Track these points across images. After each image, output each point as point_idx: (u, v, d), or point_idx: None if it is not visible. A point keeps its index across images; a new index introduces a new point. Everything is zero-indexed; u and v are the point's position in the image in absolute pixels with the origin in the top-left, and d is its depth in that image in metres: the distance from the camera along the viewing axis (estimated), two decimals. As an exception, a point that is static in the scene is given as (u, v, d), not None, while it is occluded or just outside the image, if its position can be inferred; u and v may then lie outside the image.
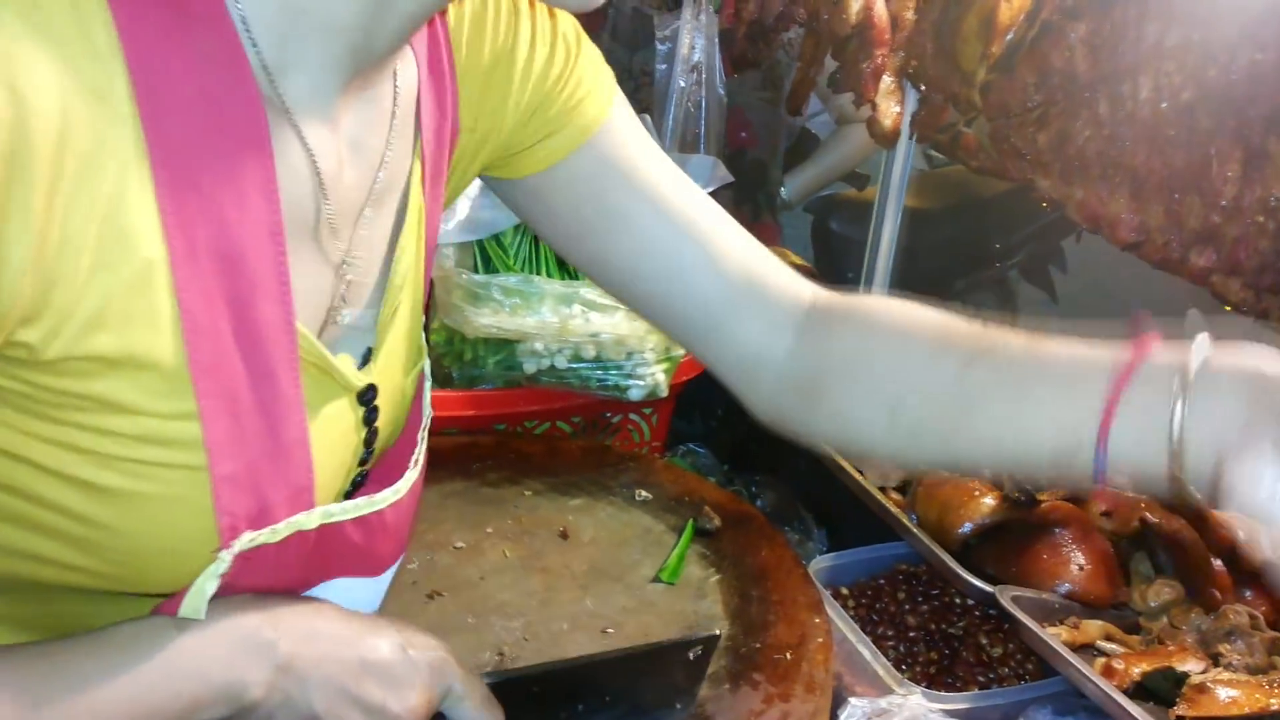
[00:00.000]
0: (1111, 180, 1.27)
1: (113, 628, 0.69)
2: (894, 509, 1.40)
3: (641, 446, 1.70)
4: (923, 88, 1.49)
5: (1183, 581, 1.30)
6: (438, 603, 1.19)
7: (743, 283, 0.93)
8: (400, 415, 0.88)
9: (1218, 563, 1.35)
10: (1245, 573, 1.38)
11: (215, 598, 0.70)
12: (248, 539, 0.69)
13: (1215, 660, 1.17)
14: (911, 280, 3.25)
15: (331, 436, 0.77)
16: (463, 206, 1.64)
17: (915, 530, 1.35)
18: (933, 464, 1.03)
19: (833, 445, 1.07)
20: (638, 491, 1.44)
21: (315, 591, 0.80)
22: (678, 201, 0.92)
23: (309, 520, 0.74)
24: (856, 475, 1.48)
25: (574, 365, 1.55)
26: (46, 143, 0.54)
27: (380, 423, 0.83)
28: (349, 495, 0.83)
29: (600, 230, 0.93)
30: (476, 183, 1.67)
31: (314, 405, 0.74)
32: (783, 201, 2.58)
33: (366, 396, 0.80)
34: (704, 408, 1.91)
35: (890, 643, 1.33)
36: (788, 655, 1.15)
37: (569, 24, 0.91)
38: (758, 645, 1.16)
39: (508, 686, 0.85)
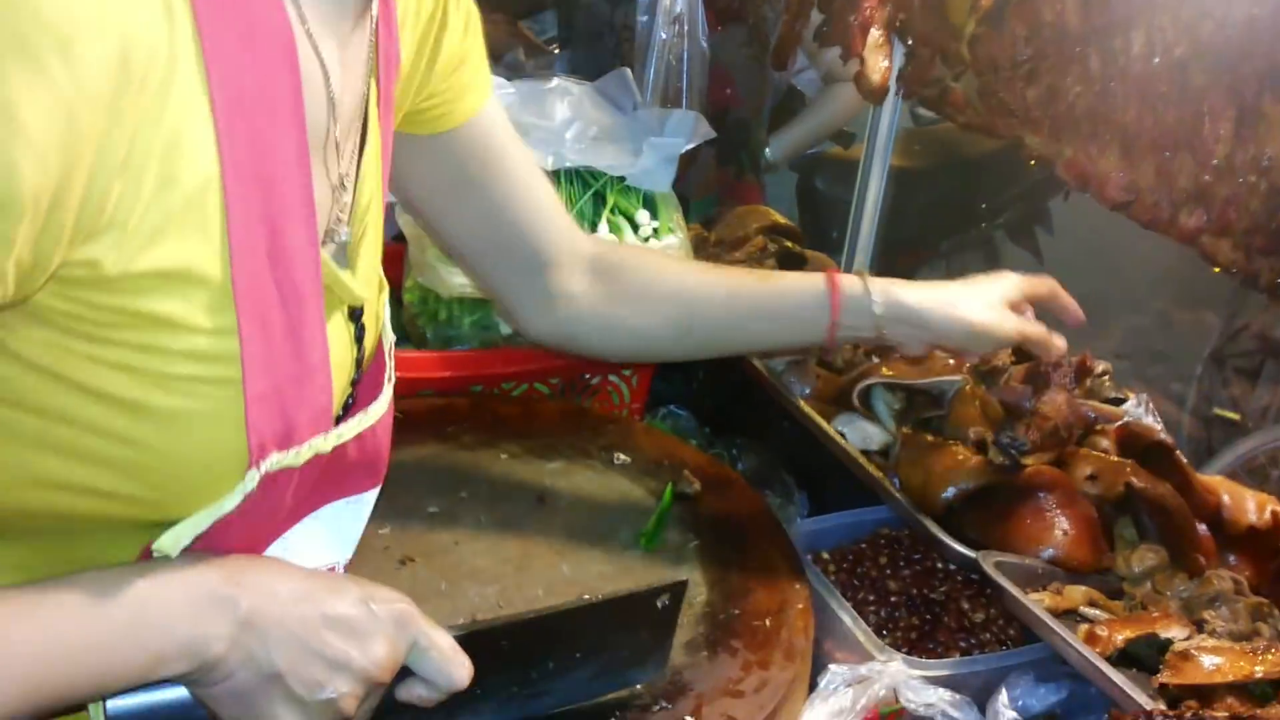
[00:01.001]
0: (1101, 138, 1.24)
1: (78, 576, 0.68)
2: (876, 473, 1.38)
3: (621, 409, 1.67)
4: (910, 42, 1.45)
5: (1167, 547, 1.29)
6: (410, 569, 1.16)
7: (553, 249, 1.15)
8: (376, 335, 0.93)
9: (1202, 527, 1.34)
10: (1230, 537, 1.37)
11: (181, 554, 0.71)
12: (275, 459, 0.72)
13: (1199, 627, 1.16)
14: (896, 240, 3.23)
15: (338, 356, 0.81)
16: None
17: (897, 494, 1.33)
18: (707, 357, 1.37)
19: (625, 357, 1.38)
20: (616, 455, 1.41)
21: (313, 517, 0.84)
22: (523, 184, 1.11)
23: (325, 443, 0.77)
24: (839, 439, 1.46)
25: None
26: (140, 55, 0.58)
27: (366, 341, 0.88)
28: (343, 416, 0.86)
29: (455, 195, 1.09)
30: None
31: (329, 325, 0.77)
32: (767, 162, 2.54)
33: (357, 314, 0.85)
34: (685, 369, 1.88)
35: (871, 608, 1.31)
36: (767, 622, 1.13)
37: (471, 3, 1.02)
38: (737, 612, 1.14)
39: (476, 641, 0.83)
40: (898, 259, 3.50)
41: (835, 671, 1.13)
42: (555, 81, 1.73)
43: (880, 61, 1.46)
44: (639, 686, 1.01)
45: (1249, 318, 3.57)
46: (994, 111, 1.32)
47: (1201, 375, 3.78)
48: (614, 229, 1.56)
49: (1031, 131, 1.29)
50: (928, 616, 1.29)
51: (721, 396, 1.79)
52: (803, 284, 1.21)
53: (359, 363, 0.88)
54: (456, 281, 1.48)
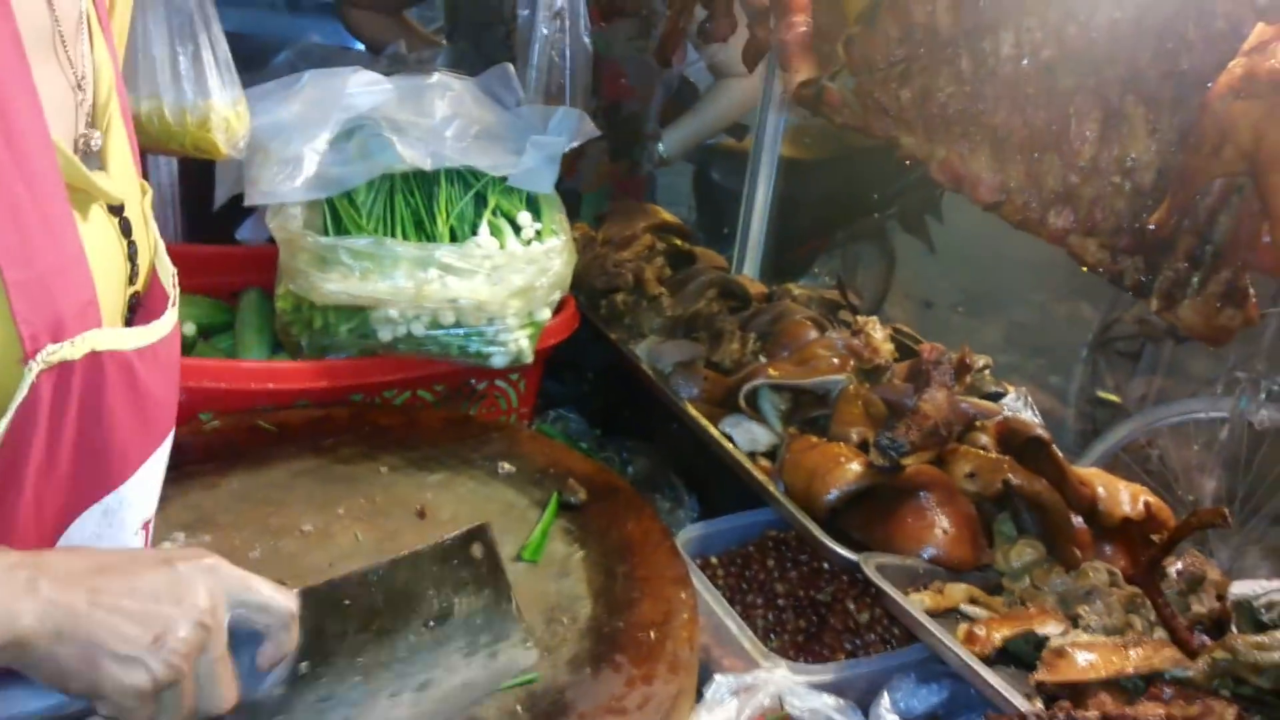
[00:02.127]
0: (973, 139, 1.25)
1: None
2: (761, 476, 1.38)
3: (509, 414, 1.64)
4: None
5: (1044, 541, 1.31)
6: (281, 593, 1.11)
7: None
8: (146, 239, 0.91)
9: (1078, 520, 1.37)
10: (1105, 529, 1.40)
11: None
12: (50, 350, 0.73)
13: (1075, 621, 1.18)
14: (789, 232, 3.25)
15: (102, 252, 0.81)
16: (310, 161, 1.54)
17: (782, 498, 1.33)
18: None
19: None
20: (501, 464, 1.38)
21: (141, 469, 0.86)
22: None
23: (100, 339, 0.78)
24: (725, 443, 1.45)
25: (432, 332, 1.47)
26: None
27: (136, 237, 0.87)
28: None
29: None
30: (324, 136, 1.59)
31: (81, 220, 0.78)
32: (659, 156, 2.52)
33: (119, 212, 0.85)
34: (575, 370, 1.86)
35: (759, 611, 1.31)
36: (652, 634, 1.12)
37: None
38: (621, 625, 1.13)
39: (317, 599, 0.83)
40: (790, 250, 3.53)
41: (721, 681, 1.12)
42: (436, 77, 1.68)
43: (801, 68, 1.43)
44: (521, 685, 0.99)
45: (1126, 307, 3.70)
46: (869, 111, 1.32)
47: (1085, 360, 3.91)
48: (495, 231, 1.52)
49: (906, 132, 1.29)
50: (814, 618, 1.30)
51: (612, 399, 1.78)
52: None
53: (134, 277, 0.88)
54: (331, 288, 1.43)
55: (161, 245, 0.95)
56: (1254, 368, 3.05)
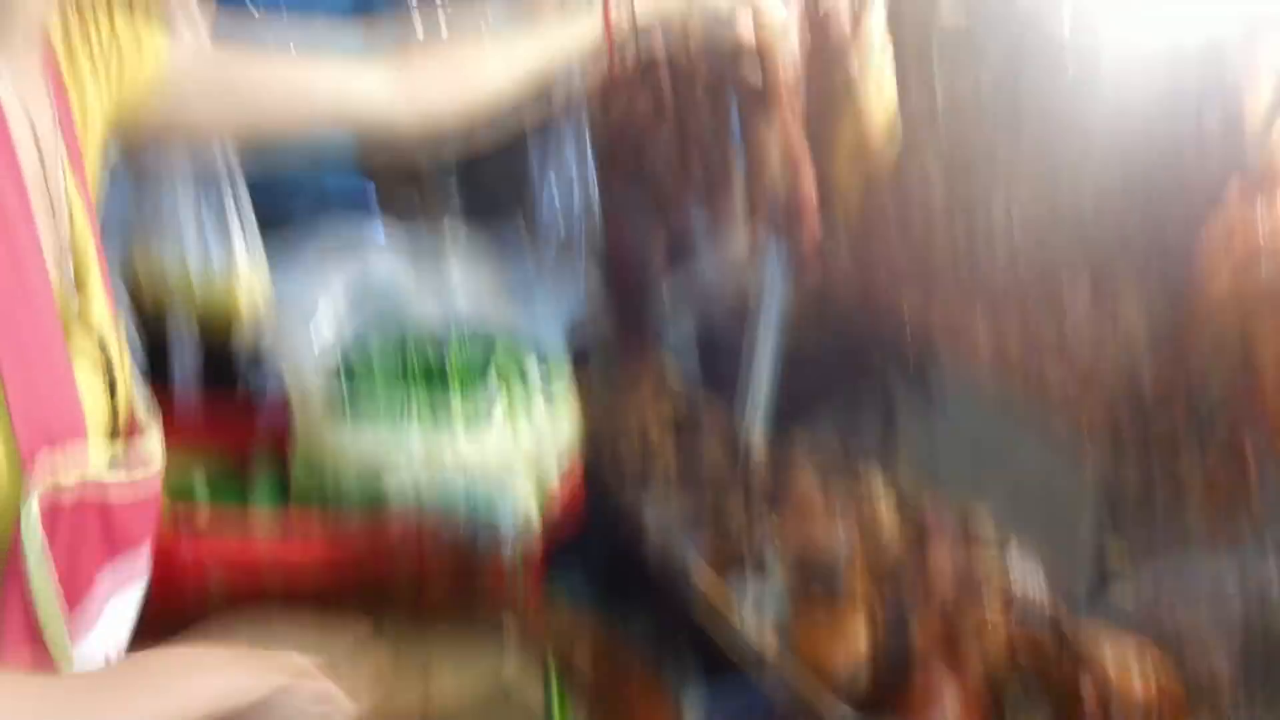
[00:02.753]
0: (969, 298, 1.28)
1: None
2: (769, 644, 1.36)
3: (515, 583, 1.63)
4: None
5: (1055, 714, 1.29)
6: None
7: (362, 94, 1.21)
8: (126, 377, 0.94)
9: (1091, 698, 1.34)
10: (1119, 707, 1.37)
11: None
12: (48, 474, 0.77)
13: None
14: (795, 387, 3.27)
15: (87, 385, 0.85)
16: (328, 319, 1.59)
17: (788, 667, 1.31)
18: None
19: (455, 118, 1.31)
20: (506, 627, 1.37)
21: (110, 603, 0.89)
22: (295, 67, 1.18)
23: (91, 463, 0.82)
24: (731, 610, 1.44)
25: (442, 494, 1.49)
26: None
27: (116, 375, 0.91)
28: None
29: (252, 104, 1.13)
30: (342, 295, 1.64)
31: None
32: (665, 308, 2.58)
33: (100, 344, 0.89)
34: (581, 533, 1.85)
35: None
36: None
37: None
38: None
39: None
40: (796, 408, 3.57)
41: None
42: (450, 241, 1.75)
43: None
44: None
45: (1133, 465, 3.67)
46: (868, 276, 1.36)
47: (1093, 519, 3.87)
48: (505, 390, 1.55)
49: (904, 295, 1.33)
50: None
51: (617, 563, 1.77)
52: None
53: (115, 408, 0.90)
54: (344, 447, 1.45)
55: (137, 375, 0.99)
56: (1265, 530, 3.02)
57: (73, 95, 0.94)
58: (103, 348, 0.88)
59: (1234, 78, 1.02)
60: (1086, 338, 1.23)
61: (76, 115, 0.95)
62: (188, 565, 1.40)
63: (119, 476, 0.85)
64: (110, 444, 0.89)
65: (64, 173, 0.89)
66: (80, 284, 0.88)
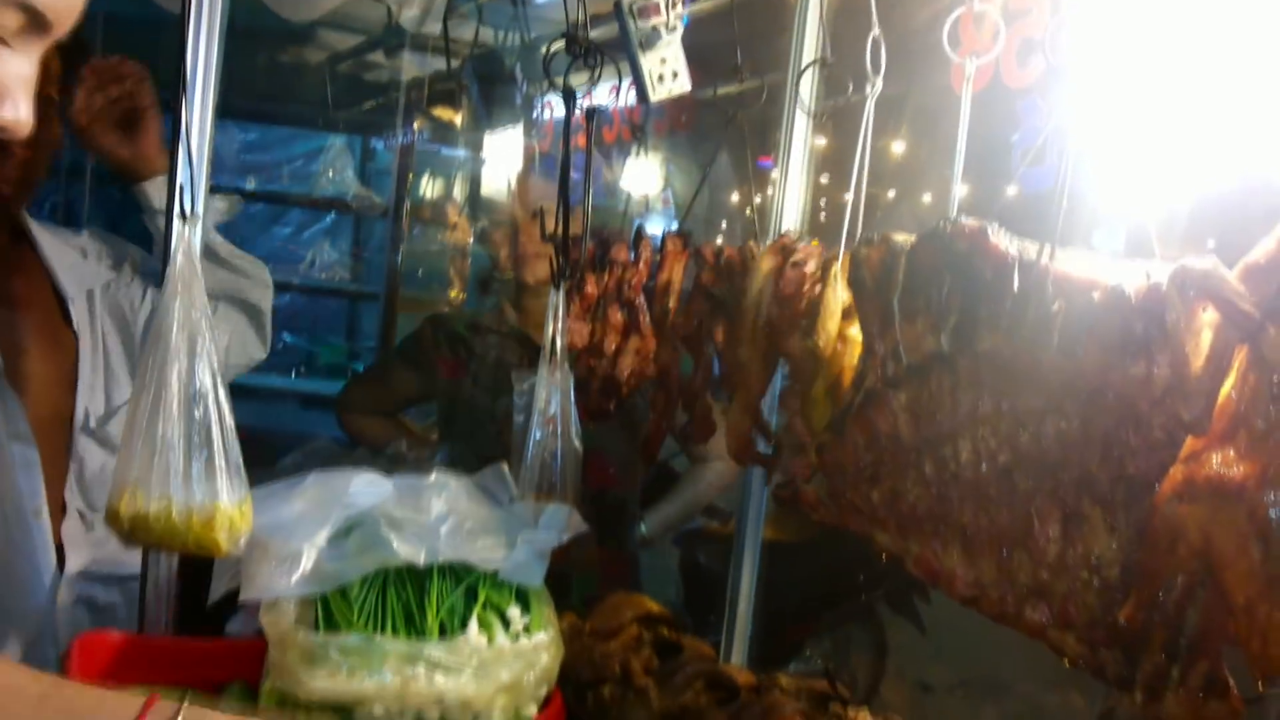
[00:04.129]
0: (943, 536, 1.31)
1: None
2: None
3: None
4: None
5: None
6: None
7: None
8: None
9: None
10: None
11: None
12: None
13: None
14: (778, 613, 3.25)
15: None
16: (308, 557, 1.59)
17: None
18: None
19: None
20: None
21: None
22: None
23: None
24: None
25: (417, 730, 1.45)
26: None
27: None
28: None
29: None
30: (323, 533, 1.65)
31: None
32: (642, 536, 2.59)
33: None
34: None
35: None
36: None
37: None
38: None
39: None
40: (779, 634, 3.52)
41: None
42: (434, 477, 1.77)
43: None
44: None
45: (1120, 696, 3.61)
46: (844, 510, 1.40)
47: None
48: (484, 625, 1.54)
49: (880, 529, 1.36)
50: None
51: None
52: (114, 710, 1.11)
53: None
54: (317, 685, 1.43)
55: None
56: (1266, 755, 2.94)
57: None
58: None
59: (1175, 331, 1.09)
60: (1060, 574, 1.25)
61: None
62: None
63: None
64: None
65: None
66: None
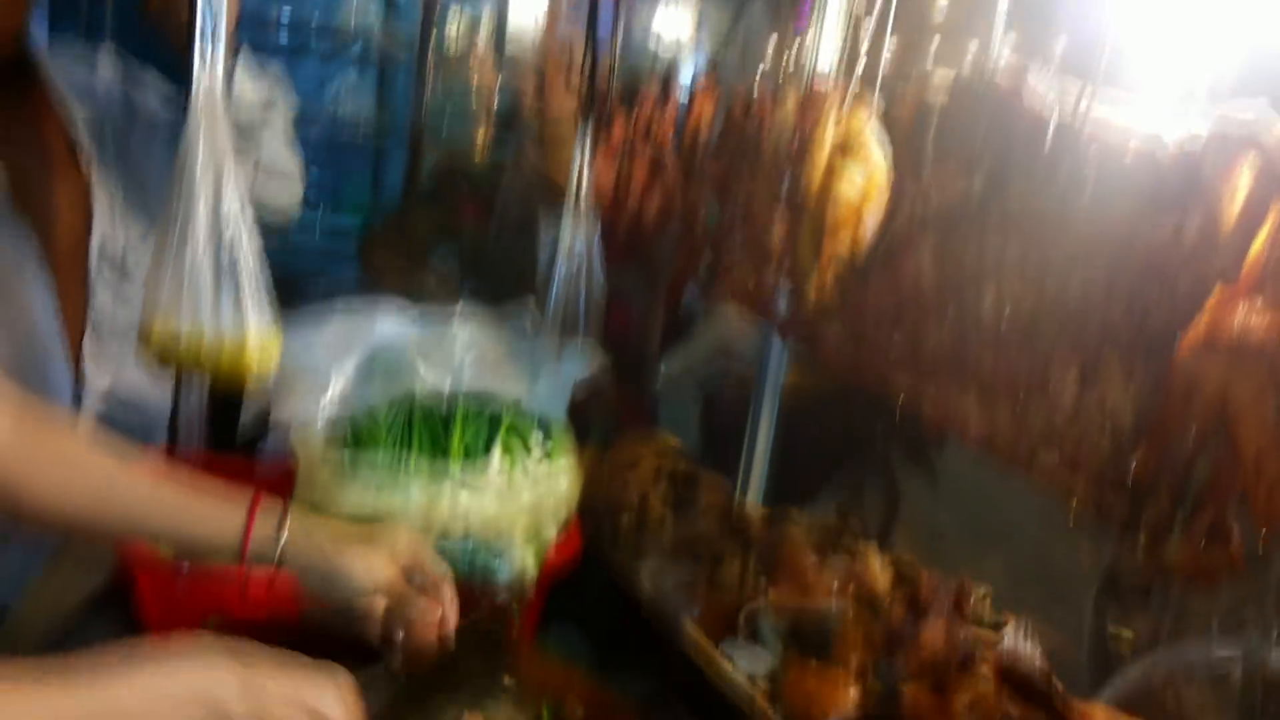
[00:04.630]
0: (961, 381, 1.33)
1: (56, 689, 0.81)
2: (760, 700, 1.38)
3: (511, 629, 1.66)
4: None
5: (1044, 778, 1.30)
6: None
7: None
8: None
9: (1079, 757, 1.36)
10: (1105, 765, 1.39)
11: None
12: None
13: None
14: (794, 458, 3.31)
15: None
16: (335, 383, 1.63)
17: (780, 725, 1.33)
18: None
19: (35, 519, 1.25)
20: (503, 678, 1.39)
21: None
22: None
23: None
24: (725, 664, 1.47)
25: (442, 545, 1.52)
26: None
27: None
28: None
29: None
30: (350, 360, 1.68)
31: None
32: (663, 378, 2.63)
33: None
34: (578, 589, 1.88)
35: (756, 845, 1.29)
36: None
37: None
38: None
39: None
40: (794, 479, 3.59)
41: None
42: (459, 309, 1.80)
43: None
44: None
45: (1134, 545, 3.69)
46: (863, 354, 1.41)
47: (1096, 596, 3.87)
48: (508, 451, 1.59)
49: (898, 373, 1.38)
50: None
51: (613, 619, 1.79)
52: (220, 518, 1.25)
53: None
54: (348, 501, 1.49)
55: None
56: (1266, 608, 3.02)
57: None
58: None
59: (1210, 186, 1.07)
60: (1074, 423, 1.27)
61: None
62: (186, 612, 1.43)
63: None
64: None
65: None
66: None
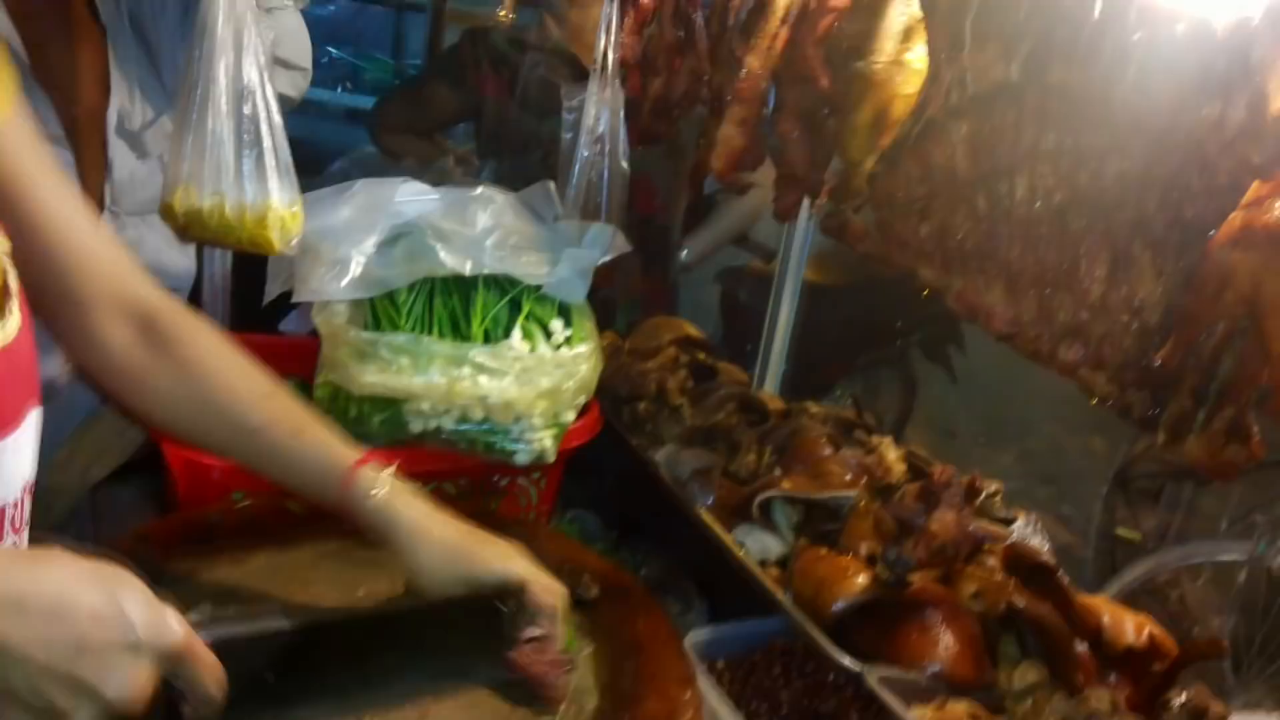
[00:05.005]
0: (988, 273, 1.31)
1: None
2: (771, 584, 1.41)
3: (528, 511, 1.69)
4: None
5: (1048, 665, 1.33)
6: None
7: (101, 283, 1.11)
8: None
9: (1083, 647, 1.38)
10: (1110, 657, 1.41)
11: None
12: None
13: (1073, 745, 1.20)
14: (812, 353, 3.32)
15: None
16: (356, 262, 1.63)
17: (790, 606, 1.36)
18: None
19: (146, 419, 1.23)
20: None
21: None
22: (56, 215, 1.05)
23: None
24: (737, 549, 1.49)
25: (461, 427, 1.53)
26: None
27: None
28: None
29: None
30: (371, 240, 1.67)
31: None
32: (682, 263, 2.62)
33: None
34: (596, 473, 1.91)
35: (763, 717, 1.33)
36: (656, 731, 1.14)
37: None
38: (626, 719, 1.15)
39: (314, 632, 0.89)
40: (812, 372, 3.60)
41: (721, 784, 1.14)
42: (480, 190, 1.78)
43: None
44: None
45: (1148, 444, 3.72)
46: (890, 243, 1.39)
47: (1104, 496, 3.92)
48: (527, 335, 1.59)
49: (925, 264, 1.36)
50: (817, 729, 1.32)
51: (629, 502, 1.82)
52: (323, 462, 1.17)
53: None
54: (368, 380, 1.50)
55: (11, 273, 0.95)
56: (1273, 511, 3.05)
57: None
58: None
59: (1260, 69, 1.04)
60: (1100, 316, 1.26)
61: None
62: (214, 486, 1.46)
63: None
64: None
65: None
66: None
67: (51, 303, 1.07)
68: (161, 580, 1.21)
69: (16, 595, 0.72)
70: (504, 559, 1.15)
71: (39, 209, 1.03)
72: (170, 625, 0.78)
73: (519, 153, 2.38)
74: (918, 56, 1.32)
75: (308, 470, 1.17)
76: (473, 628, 1.03)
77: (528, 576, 1.13)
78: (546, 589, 1.14)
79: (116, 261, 1.13)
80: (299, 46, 2.08)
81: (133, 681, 0.74)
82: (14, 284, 0.95)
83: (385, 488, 1.17)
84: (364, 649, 0.95)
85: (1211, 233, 1.14)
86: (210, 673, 0.81)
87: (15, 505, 0.91)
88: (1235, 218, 1.10)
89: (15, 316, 0.92)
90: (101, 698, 0.73)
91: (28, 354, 0.94)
